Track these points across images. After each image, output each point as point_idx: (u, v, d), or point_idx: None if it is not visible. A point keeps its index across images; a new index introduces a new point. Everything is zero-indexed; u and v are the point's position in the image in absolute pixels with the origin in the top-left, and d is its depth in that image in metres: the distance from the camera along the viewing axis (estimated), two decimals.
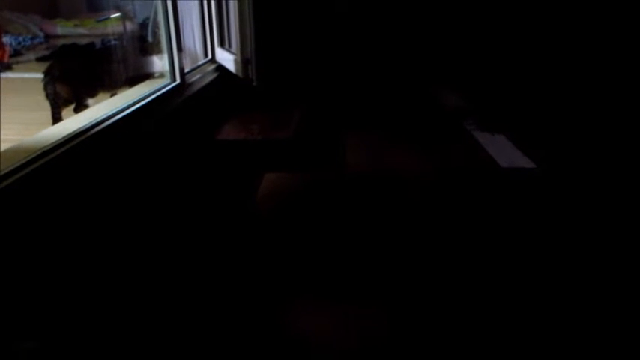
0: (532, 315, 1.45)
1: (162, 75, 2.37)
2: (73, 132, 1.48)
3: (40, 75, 2.58)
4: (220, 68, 2.90)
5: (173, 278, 1.60)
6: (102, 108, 1.77)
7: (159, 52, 2.77)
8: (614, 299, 1.54)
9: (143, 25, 3.64)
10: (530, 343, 1.34)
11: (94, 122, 1.59)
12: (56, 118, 2.56)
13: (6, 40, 4.64)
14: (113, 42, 3.33)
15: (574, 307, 1.50)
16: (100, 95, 2.75)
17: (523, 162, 2.60)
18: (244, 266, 1.68)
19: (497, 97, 3.60)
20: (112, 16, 4.23)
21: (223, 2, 2.76)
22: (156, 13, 2.75)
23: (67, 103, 2.61)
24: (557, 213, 2.09)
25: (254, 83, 2.58)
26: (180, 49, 2.27)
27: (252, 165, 2.46)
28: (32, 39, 5.03)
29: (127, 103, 1.83)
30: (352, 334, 1.34)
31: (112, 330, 1.35)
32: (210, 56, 3.00)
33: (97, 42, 3.41)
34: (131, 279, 1.58)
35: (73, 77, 2.61)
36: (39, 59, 4.46)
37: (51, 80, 2.52)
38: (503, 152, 2.74)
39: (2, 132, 2.30)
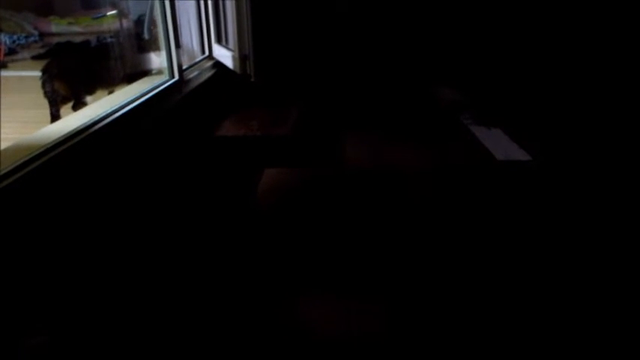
0: (531, 309, 1.47)
1: (159, 72, 2.37)
2: (73, 129, 1.48)
3: (37, 73, 2.58)
4: (218, 65, 2.89)
5: (177, 274, 1.61)
6: (101, 106, 1.77)
7: (155, 49, 2.77)
8: (609, 290, 1.57)
9: (138, 23, 3.63)
10: (529, 338, 1.36)
11: (94, 120, 1.59)
12: (54, 116, 2.56)
13: (0, 38, 4.62)
14: (109, 39, 3.32)
15: (572, 300, 1.52)
16: (98, 93, 2.75)
17: (519, 155, 2.63)
18: (246, 261, 1.69)
19: (493, 92, 3.62)
20: (108, 13, 4.21)
21: None
22: (152, 10, 2.75)
23: (65, 101, 2.61)
24: (553, 204, 2.11)
25: (252, 79, 2.58)
26: (178, 45, 2.27)
27: (252, 161, 2.47)
28: (27, 37, 5.00)
29: (126, 101, 1.83)
30: (353, 330, 1.35)
31: (116, 325, 1.37)
32: (207, 53, 3.00)
33: (92, 39, 3.40)
34: (134, 275, 1.59)
35: (71, 75, 2.60)
36: (34, 57, 4.44)
37: (49, 78, 2.52)
38: (500, 145, 2.76)
39: (1, 130, 2.30)
